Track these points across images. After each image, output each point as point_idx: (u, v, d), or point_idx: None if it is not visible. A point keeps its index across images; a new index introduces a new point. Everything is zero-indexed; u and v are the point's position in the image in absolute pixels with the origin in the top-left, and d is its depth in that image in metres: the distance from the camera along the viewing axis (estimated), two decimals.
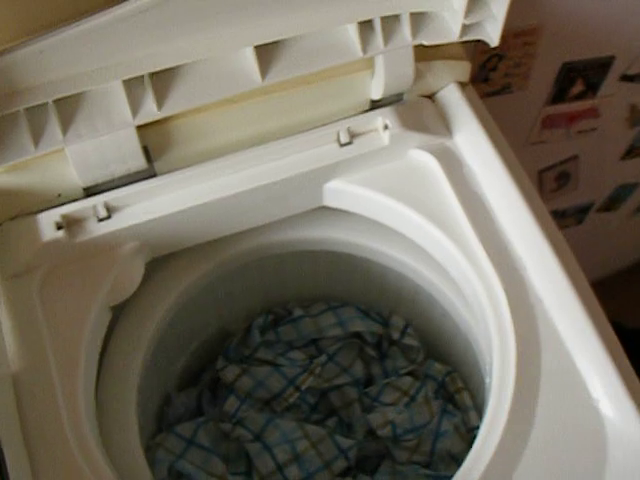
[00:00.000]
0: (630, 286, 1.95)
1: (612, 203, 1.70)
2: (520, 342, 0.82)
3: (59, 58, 0.78)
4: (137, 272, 0.93)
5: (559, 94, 1.31)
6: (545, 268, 0.85)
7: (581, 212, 1.68)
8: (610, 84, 1.32)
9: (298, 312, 1.18)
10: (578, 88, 1.31)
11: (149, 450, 1.09)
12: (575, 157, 1.48)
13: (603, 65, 1.28)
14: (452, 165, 0.93)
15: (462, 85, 0.98)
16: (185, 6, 0.77)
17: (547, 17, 1.16)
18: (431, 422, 1.11)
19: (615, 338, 0.84)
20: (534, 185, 1.27)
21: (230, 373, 1.15)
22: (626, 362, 0.81)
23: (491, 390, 0.80)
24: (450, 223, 0.91)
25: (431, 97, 0.99)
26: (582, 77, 1.29)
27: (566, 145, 1.44)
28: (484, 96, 1.27)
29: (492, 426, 0.78)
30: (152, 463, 1.08)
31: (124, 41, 0.79)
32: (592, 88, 1.32)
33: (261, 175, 0.91)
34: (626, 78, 1.32)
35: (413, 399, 1.13)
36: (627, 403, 0.77)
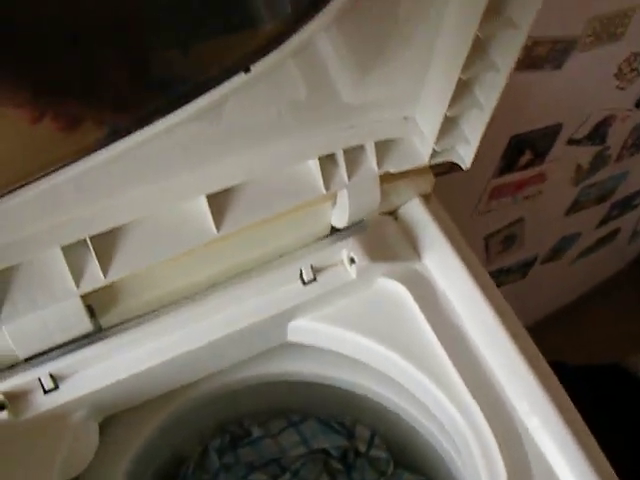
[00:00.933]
0: (571, 324, 1.93)
1: (555, 254, 1.67)
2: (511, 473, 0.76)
3: None
4: (91, 439, 0.84)
5: (507, 166, 1.25)
6: (528, 396, 0.80)
7: (525, 266, 1.63)
8: (557, 149, 1.27)
9: (257, 432, 1.10)
10: (526, 158, 1.26)
11: None
12: (521, 219, 1.43)
13: (551, 134, 1.23)
14: (423, 292, 0.86)
15: (425, 198, 0.90)
16: (126, 160, 0.68)
17: None
18: None
19: (598, 450, 0.78)
20: (479, 252, 1.22)
21: None
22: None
23: None
24: (426, 356, 0.84)
25: (392, 213, 0.91)
26: (530, 147, 1.23)
27: (512, 210, 1.39)
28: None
29: None
30: None
31: (60, 204, 0.70)
32: (540, 156, 1.27)
33: (219, 326, 0.83)
34: (573, 142, 1.28)
35: None
36: None
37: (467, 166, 0.81)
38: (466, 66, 0.69)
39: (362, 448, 1.10)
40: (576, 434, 0.77)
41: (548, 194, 1.39)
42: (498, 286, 1.51)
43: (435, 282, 0.87)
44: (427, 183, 0.90)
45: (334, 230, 0.88)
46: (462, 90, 0.73)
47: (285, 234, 0.86)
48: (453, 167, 0.83)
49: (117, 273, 0.76)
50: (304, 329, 0.86)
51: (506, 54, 0.69)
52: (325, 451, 1.11)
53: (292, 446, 1.09)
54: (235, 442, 1.11)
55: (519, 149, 1.22)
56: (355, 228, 0.87)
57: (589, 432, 0.79)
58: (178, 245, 0.77)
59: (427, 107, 0.76)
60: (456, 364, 0.82)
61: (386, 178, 0.85)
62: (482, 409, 0.79)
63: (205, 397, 0.97)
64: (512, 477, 0.75)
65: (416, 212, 0.90)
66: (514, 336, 0.83)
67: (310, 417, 1.12)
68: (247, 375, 0.97)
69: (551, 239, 1.60)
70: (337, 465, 1.11)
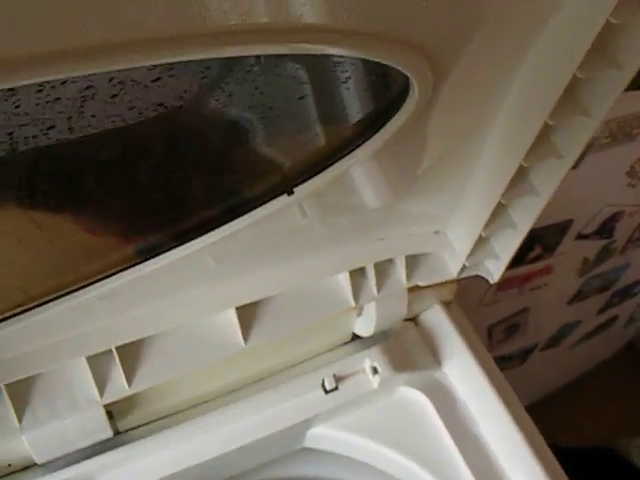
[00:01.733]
0: (565, 405, 1.93)
1: (554, 341, 1.66)
2: None
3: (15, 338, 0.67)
4: None
5: (516, 260, 1.25)
6: None
7: (525, 353, 1.63)
8: (566, 243, 1.27)
9: None
10: (536, 252, 1.26)
11: None
12: (526, 309, 1.43)
13: (561, 229, 1.23)
14: (443, 401, 0.85)
15: (446, 304, 0.90)
16: (158, 275, 0.67)
17: None
18: None
19: None
20: (483, 340, 1.21)
21: None
22: None
23: None
24: (445, 467, 0.83)
25: (413, 318, 0.90)
26: (540, 242, 1.23)
27: (517, 300, 1.39)
28: None
29: None
30: None
31: (88, 315, 0.68)
32: (549, 250, 1.27)
33: (239, 435, 0.81)
34: (582, 237, 1.28)
35: None
36: None
37: (494, 281, 0.80)
38: (506, 191, 0.69)
39: None
40: None
41: (553, 285, 1.39)
42: None
43: (455, 391, 0.86)
44: (450, 291, 0.89)
45: (356, 336, 0.87)
46: (498, 211, 0.72)
47: (308, 340, 0.85)
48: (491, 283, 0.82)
49: (142, 384, 0.74)
50: (323, 437, 0.85)
51: (547, 181, 0.69)
52: None
53: None
54: None
55: (529, 245, 1.22)
56: (378, 336, 0.86)
57: None
58: (205, 358, 0.76)
59: (461, 225, 0.76)
60: (476, 477, 0.80)
61: (412, 288, 0.85)
62: None
63: None
64: None
65: (437, 319, 0.89)
66: (537, 450, 0.81)
67: None
68: (268, 477, 0.94)
69: (552, 327, 1.60)
70: None
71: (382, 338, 0.87)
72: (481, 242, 0.77)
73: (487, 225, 0.74)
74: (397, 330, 0.88)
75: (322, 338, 0.85)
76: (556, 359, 1.77)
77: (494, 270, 0.80)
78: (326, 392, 0.83)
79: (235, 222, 0.65)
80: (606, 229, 1.30)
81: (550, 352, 1.70)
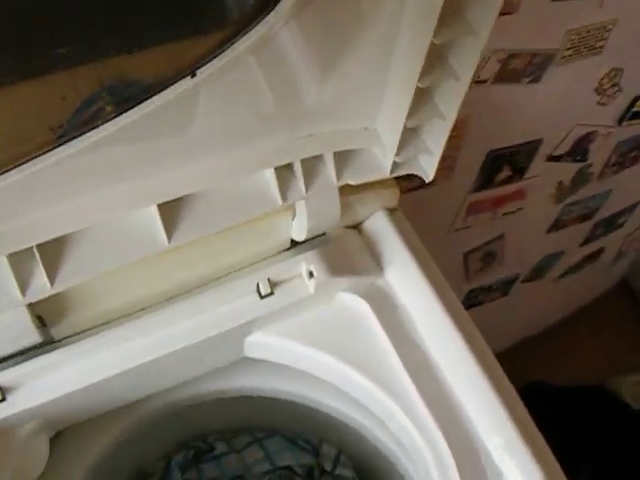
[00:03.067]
0: (555, 344, 1.91)
1: (537, 273, 1.64)
2: None
3: None
4: (41, 452, 0.82)
5: (484, 181, 1.23)
6: (490, 415, 0.78)
7: (507, 284, 1.61)
8: (537, 166, 1.25)
9: (221, 447, 1.07)
10: (505, 174, 1.24)
11: None
12: (501, 236, 1.41)
13: (530, 149, 1.21)
14: (384, 308, 0.84)
15: (390, 211, 0.88)
16: (70, 169, 0.66)
17: (474, 109, 1.08)
18: None
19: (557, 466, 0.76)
20: (458, 269, 1.20)
21: None
22: None
23: None
24: (384, 373, 0.82)
25: (357, 226, 0.89)
26: (509, 163, 1.21)
27: (491, 226, 1.37)
28: (406, 191, 1.18)
29: None
30: None
31: (4, 208, 0.68)
32: (519, 172, 1.25)
33: (173, 338, 0.80)
34: (553, 159, 1.26)
35: None
36: None
37: (429, 178, 0.79)
38: (424, 74, 0.67)
39: (328, 466, 1.07)
40: (537, 454, 0.75)
41: (528, 211, 1.37)
42: (479, 304, 1.50)
43: (396, 297, 0.85)
44: (392, 196, 0.88)
45: (295, 244, 0.86)
46: (422, 99, 0.71)
47: (243, 247, 0.84)
48: (427, 182, 0.81)
49: (64, 283, 0.74)
50: (261, 344, 0.84)
51: (465, 61, 0.67)
52: (290, 469, 1.08)
53: (256, 462, 1.07)
54: (199, 458, 1.08)
55: (496, 165, 1.20)
56: (316, 241, 0.85)
57: (551, 452, 0.77)
58: (127, 255, 0.75)
59: (387, 117, 0.74)
60: (415, 381, 0.80)
61: (349, 190, 0.84)
62: (441, 427, 0.77)
63: (165, 411, 0.95)
64: None
65: (380, 225, 0.88)
66: (476, 353, 0.80)
67: (276, 434, 1.09)
68: (206, 390, 0.95)
69: (533, 257, 1.58)
70: None
71: (321, 244, 0.85)
72: (409, 135, 0.75)
73: (413, 115, 0.72)
74: (337, 236, 0.87)
75: (258, 244, 0.84)
76: (542, 293, 1.75)
77: (427, 166, 0.79)
78: (261, 297, 0.82)
79: (142, 107, 0.64)
80: (579, 151, 1.28)
81: (535, 285, 1.68)
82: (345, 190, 0.83)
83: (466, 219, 1.30)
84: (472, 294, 1.54)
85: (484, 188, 1.25)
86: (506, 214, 1.35)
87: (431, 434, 0.78)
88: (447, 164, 1.15)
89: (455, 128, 1.02)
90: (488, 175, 1.22)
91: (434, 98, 0.72)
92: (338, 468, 1.07)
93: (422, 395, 0.79)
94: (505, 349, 1.74)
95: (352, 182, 0.79)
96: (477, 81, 1.04)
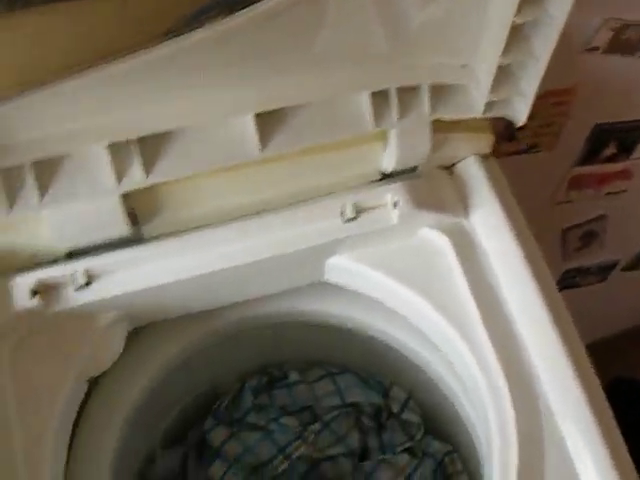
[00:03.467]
0: None
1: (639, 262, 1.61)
2: (523, 446, 0.75)
3: (39, 116, 0.71)
4: (117, 343, 0.86)
5: (589, 155, 1.23)
6: (556, 373, 0.78)
7: (605, 270, 1.59)
8: None
9: (294, 377, 1.11)
10: (610, 150, 1.23)
11: None
12: (603, 216, 1.40)
13: (638, 128, 1.19)
14: (466, 249, 0.85)
15: (484, 157, 0.89)
16: (180, 66, 0.70)
17: (583, 78, 1.08)
18: None
19: (623, 446, 0.75)
20: (556, 244, 1.19)
21: (218, 436, 1.08)
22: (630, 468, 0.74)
23: None
24: (457, 313, 0.83)
25: (449, 168, 0.90)
26: (615, 140, 1.20)
27: (594, 205, 1.36)
28: (509, 155, 1.19)
29: None
30: None
31: (111, 101, 0.72)
32: (626, 150, 1.24)
33: (258, 249, 0.84)
34: None
35: (409, 478, 1.05)
36: None
37: (521, 122, 0.80)
38: (520, 9, 0.68)
39: (395, 409, 1.09)
40: (597, 415, 0.75)
41: (634, 194, 1.35)
42: (575, 286, 1.48)
43: (479, 240, 0.86)
44: (486, 142, 0.89)
45: (385, 178, 0.88)
46: (517, 37, 0.72)
47: (333, 171, 0.86)
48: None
49: (158, 177, 0.78)
50: (340, 268, 0.87)
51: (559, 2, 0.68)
52: (358, 408, 1.11)
53: (326, 395, 1.10)
54: (272, 384, 1.12)
55: (603, 140, 1.19)
56: (406, 176, 0.87)
57: (619, 434, 0.76)
58: (221, 159, 0.79)
59: (483, 54, 0.75)
60: (486, 324, 0.81)
61: (444, 129, 0.85)
62: (506, 376, 0.78)
63: (244, 325, 0.98)
64: (524, 449, 0.74)
65: (471, 169, 0.89)
66: (550, 306, 0.81)
67: (348, 371, 1.11)
68: (285, 309, 0.97)
69: (636, 245, 1.55)
70: (369, 423, 1.11)
71: (411, 179, 0.87)
72: (504, 75, 0.77)
73: (507, 52, 0.73)
74: (428, 174, 0.89)
75: (348, 171, 0.87)
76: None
77: (519, 110, 0.80)
78: (345, 221, 0.84)
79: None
80: None
81: (635, 275, 1.65)
82: (439, 128, 0.85)
83: (568, 193, 1.29)
84: (568, 274, 1.52)
85: (588, 162, 1.24)
86: (610, 194, 1.33)
87: (495, 380, 0.78)
88: (552, 130, 1.15)
89: (563, 94, 1.03)
90: (593, 149, 1.21)
91: (529, 38, 0.73)
92: (405, 412, 1.09)
93: (491, 339, 0.80)
94: (596, 340, 1.70)
95: (445, 117, 0.81)
96: (588, 49, 1.03)
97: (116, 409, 0.93)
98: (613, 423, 0.76)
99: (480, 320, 0.81)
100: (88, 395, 0.89)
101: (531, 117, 1.06)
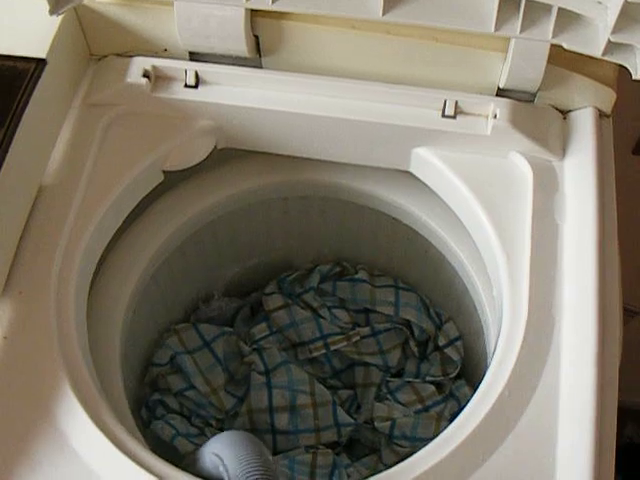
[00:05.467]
0: None
1: None
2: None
3: None
4: (202, 148, 0.92)
5: None
6: (580, 315, 0.79)
7: None
8: None
9: (362, 275, 1.14)
10: None
11: (167, 332, 1.09)
12: None
13: None
14: (546, 186, 0.86)
15: (601, 114, 0.89)
16: None
17: None
18: (432, 440, 1.04)
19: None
20: None
21: (273, 302, 1.14)
22: None
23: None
24: (511, 237, 0.84)
25: (566, 113, 0.91)
26: None
27: None
28: None
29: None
30: (160, 345, 1.08)
31: None
32: None
33: (356, 110, 0.88)
34: None
35: (426, 409, 1.07)
36: None
37: (637, 75, 0.79)
38: None
39: (442, 342, 1.10)
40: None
41: None
42: None
43: (562, 184, 0.86)
44: (608, 97, 0.89)
45: (500, 95, 0.89)
46: None
47: (448, 68, 0.89)
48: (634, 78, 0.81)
49: (283, 4, 0.82)
50: (425, 161, 0.89)
51: None
52: (409, 326, 1.13)
53: (384, 303, 1.12)
54: (340, 277, 1.15)
55: None
56: (519, 96, 0.88)
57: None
58: (343, 8, 0.82)
59: None
60: (532, 259, 0.81)
61: (567, 63, 0.86)
62: (530, 300, 0.79)
63: (331, 201, 1.03)
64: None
65: (584, 120, 0.89)
66: (600, 271, 0.81)
67: (415, 292, 1.13)
68: (368, 191, 1.01)
69: None
70: (414, 348, 1.13)
71: (523, 100, 0.88)
72: (628, 19, 0.76)
73: None
74: (541, 107, 0.90)
75: (463, 72, 0.88)
76: None
77: (638, 61, 0.80)
78: (442, 115, 0.87)
79: None
80: None
81: None
82: (562, 62, 0.86)
83: None
84: None
85: None
86: None
87: (519, 299, 0.79)
88: None
89: None
90: None
91: None
92: (449, 348, 1.10)
93: (531, 272, 0.81)
94: None
95: (565, 45, 0.81)
96: None
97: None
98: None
99: (529, 252, 0.82)
100: None
101: None
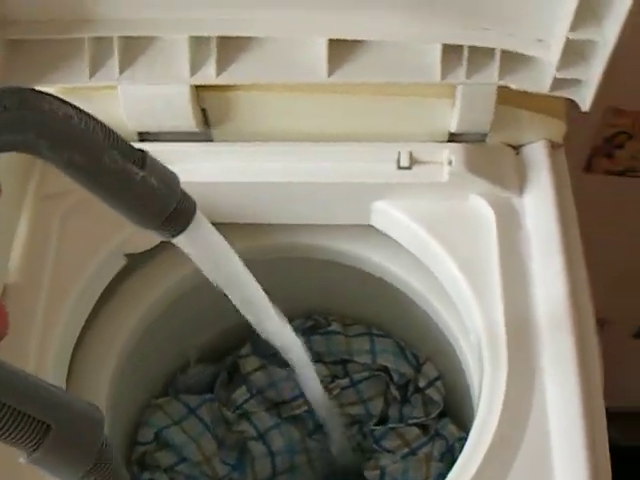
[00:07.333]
0: None
1: None
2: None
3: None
4: None
5: None
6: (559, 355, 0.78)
7: None
8: None
9: (335, 327, 1.13)
10: None
11: (148, 408, 1.08)
12: None
13: None
14: (509, 226, 0.86)
15: (553, 145, 0.90)
16: None
17: None
18: None
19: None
20: None
21: (249, 364, 1.13)
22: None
23: None
24: (480, 279, 0.84)
25: (517, 148, 0.91)
26: None
27: None
28: (604, 173, 1.18)
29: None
30: (143, 424, 1.07)
31: None
32: None
33: (312, 172, 0.88)
34: None
35: (413, 453, 1.07)
36: None
37: (586, 107, 0.80)
38: None
39: (422, 384, 1.10)
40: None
41: None
42: None
43: (525, 222, 0.87)
44: (558, 129, 0.90)
45: (452, 141, 0.90)
46: (588, 15, 0.73)
47: (399, 120, 0.89)
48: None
49: (228, 78, 0.83)
50: (385, 213, 0.89)
51: None
52: (388, 372, 1.13)
53: (360, 352, 1.12)
54: (313, 330, 1.15)
55: None
56: (471, 137, 0.89)
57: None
58: (289, 74, 0.83)
59: (554, 28, 0.77)
60: (505, 297, 0.81)
61: (515, 101, 0.87)
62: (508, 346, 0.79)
63: (297, 253, 1.02)
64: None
65: (537, 153, 0.90)
66: (574, 307, 0.81)
67: (390, 337, 1.13)
68: (338, 248, 1.01)
69: None
70: (395, 393, 1.12)
71: (475, 143, 0.89)
72: (572, 53, 0.77)
73: (575, 29, 0.74)
74: (493, 146, 0.90)
75: (413, 123, 0.89)
76: None
77: (586, 93, 0.81)
78: (398, 167, 0.87)
79: None
80: None
81: None
82: (510, 100, 0.87)
83: None
84: None
85: None
86: None
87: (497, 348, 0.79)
88: None
89: None
90: None
91: (601, 18, 0.74)
92: (430, 389, 1.10)
93: (506, 311, 0.81)
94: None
95: (512, 85, 0.82)
96: None
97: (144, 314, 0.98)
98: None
99: (500, 291, 0.82)
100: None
101: (630, 137, 1.06)
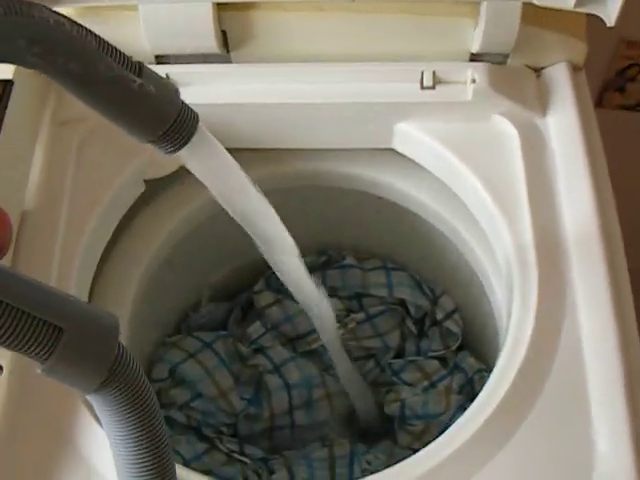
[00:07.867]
0: None
1: None
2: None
3: None
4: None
5: None
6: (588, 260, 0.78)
7: None
8: None
9: (350, 261, 1.12)
10: None
11: (162, 347, 1.07)
12: None
13: None
14: (533, 145, 0.86)
15: (574, 67, 0.90)
16: None
17: None
18: (444, 414, 1.04)
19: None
20: None
21: (264, 299, 1.12)
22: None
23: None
24: (509, 202, 0.83)
25: (538, 70, 0.91)
26: None
27: None
28: (615, 107, 1.17)
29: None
30: (158, 361, 1.06)
31: None
32: None
33: (333, 93, 0.87)
34: None
35: (433, 385, 1.06)
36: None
37: (611, 23, 0.79)
38: None
39: (439, 316, 1.10)
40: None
41: None
42: None
43: (548, 141, 0.86)
44: (579, 50, 0.89)
45: (474, 60, 0.89)
46: None
47: (422, 39, 0.88)
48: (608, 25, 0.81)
49: None
50: (408, 136, 0.89)
51: None
52: (405, 305, 1.12)
53: (376, 285, 1.11)
54: (328, 265, 1.14)
55: None
56: (493, 59, 0.88)
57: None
58: None
59: None
60: (534, 219, 0.81)
61: (537, 21, 0.86)
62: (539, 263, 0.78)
63: (313, 188, 1.02)
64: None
65: (558, 74, 0.90)
66: (602, 218, 0.81)
67: (405, 270, 1.13)
68: (353, 173, 1.00)
69: None
70: (411, 327, 1.12)
71: (498, 63, 0.88)
72: None
73: None
74: (515, 67, 0.90)
75: (436, 42, 0.88)
76: None
77: (611, 8, 0.80)
78: (422, 87, 0.86)
79: None
80: None
81: None
82: (533, 20, 0.86)
83: None
84: None
85: None
86: None
87: (527, 259, 0.79)
88: None
89: None
90: None
91: None
92: (448, 321, 1.09)
93: (534, 229, 0.80)
94: None
95: (536, 1, 0.81)
96: None
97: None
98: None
99: (528, 210, 0.81)
100: None
101: None
